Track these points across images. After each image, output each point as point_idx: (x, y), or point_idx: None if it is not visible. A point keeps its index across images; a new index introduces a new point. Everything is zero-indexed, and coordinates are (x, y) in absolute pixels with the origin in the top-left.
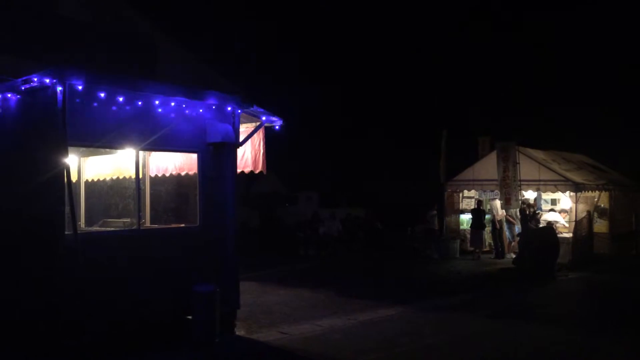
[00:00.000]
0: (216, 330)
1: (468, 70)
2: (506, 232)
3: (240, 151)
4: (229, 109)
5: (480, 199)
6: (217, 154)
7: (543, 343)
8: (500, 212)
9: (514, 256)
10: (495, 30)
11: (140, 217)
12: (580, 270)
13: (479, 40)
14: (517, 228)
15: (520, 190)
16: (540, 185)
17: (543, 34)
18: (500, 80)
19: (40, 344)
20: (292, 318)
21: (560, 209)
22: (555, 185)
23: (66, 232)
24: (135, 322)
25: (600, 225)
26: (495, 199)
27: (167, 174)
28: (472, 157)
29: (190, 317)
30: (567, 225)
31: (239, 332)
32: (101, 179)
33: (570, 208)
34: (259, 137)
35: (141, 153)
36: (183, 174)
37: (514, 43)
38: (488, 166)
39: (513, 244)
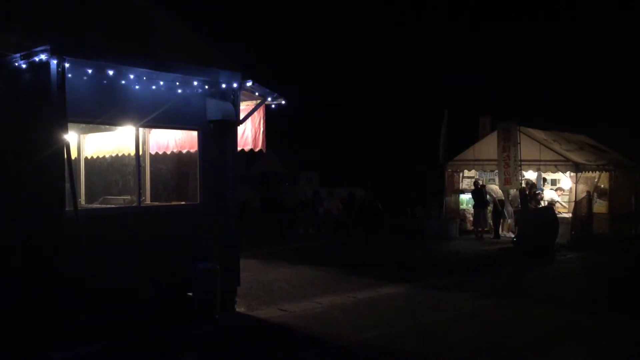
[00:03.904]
0: (216, 307)
1: (469, 50)
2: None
3: (240, 129)
4: (229, 86)
5: (479, 179)
6: (218, 132)
7: (541, 321)
8: (500, 193)
9: (512, 236)
10: (496, 9)
11: (140, 195)
12: (579, 250)
13: (481, 19)
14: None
15: (521, 170)
16: (540, 165)
17: (545, 13)
18: (502, 60)
19: (40, 320)
20: (292, 296)
21: (557, 187)
22: (555, 166)
23: (67, 209)
24: (135, 299)
25: (600, 206)
26: (493, 179)
27: (168, 152)
28: (473, 137)
29: (190, 293)
30: (562, 202)
31: (239, 309)
32: (101, 156)
33: (570, 188)
34: (259, 115)
35: (141, 130)
36: (184, 151)
37: (515, 22)
38: (489, 146)
39: (510, 221)
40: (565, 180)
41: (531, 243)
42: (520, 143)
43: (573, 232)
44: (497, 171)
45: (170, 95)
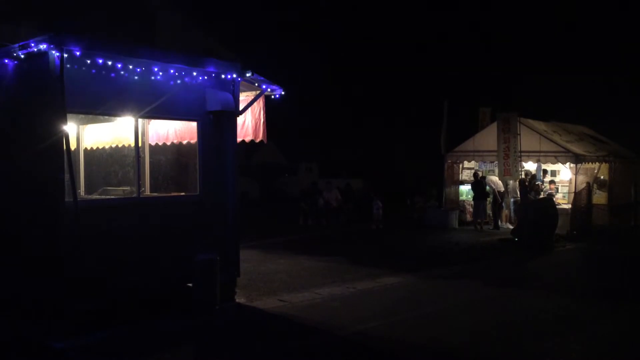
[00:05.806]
0: (216, 298)
1: (470, 41)
2: (507, 204)
3: (240, 120)
4: (229, 77)
5: (478, 170)
6: (217, 123)
7: (540, 310)
8: (500, 184)
9: (511, 227)
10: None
11: (140, 186)
12: (579, 241)
13: (481, 9)
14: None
15: (521, 161)
16: (540, 156)
17: (545, 4)
18: (503, 51)
19: (41, 311)
20: (291, 286)
21: (549, 179)
22: (555, 157)
23: (66, 200)
24: (135, 290)
25: (600, 197)
26: (493, 170)
27: (168, 143)
28: (473, 128)
29: (190, 284)
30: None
31: (239, 299)
32: (100, 147)
33: (570, 179)
34: (259, 106)
35: (140, 121)
36: (184, 142)
37: (516, 12)
38: (489, 137)
39: (506, 211)
40: (565, 171)
41: (531, 234)
42: (520, 134)
43: (573, 229)
44: (496, 162)
45: (169, 86)
